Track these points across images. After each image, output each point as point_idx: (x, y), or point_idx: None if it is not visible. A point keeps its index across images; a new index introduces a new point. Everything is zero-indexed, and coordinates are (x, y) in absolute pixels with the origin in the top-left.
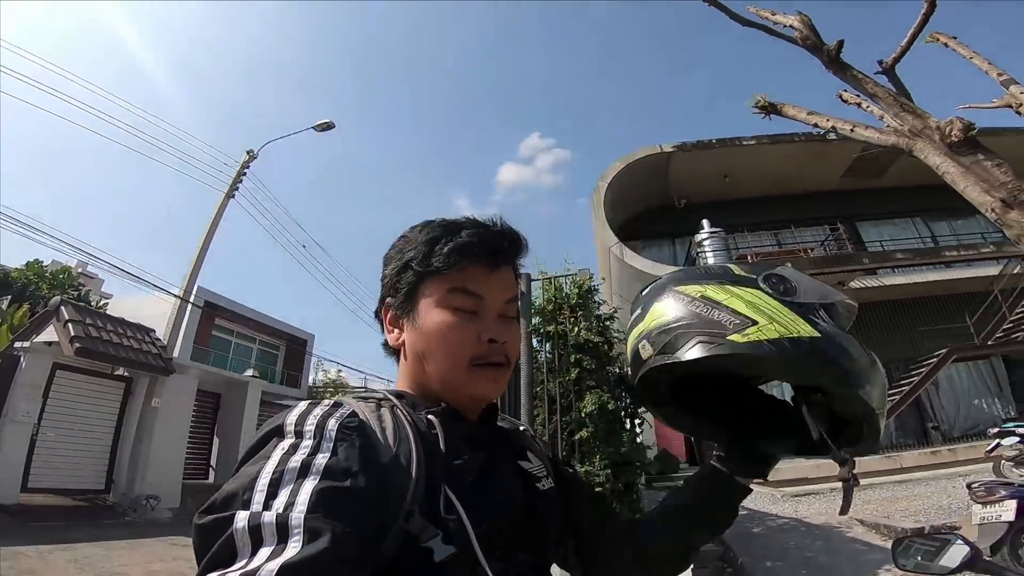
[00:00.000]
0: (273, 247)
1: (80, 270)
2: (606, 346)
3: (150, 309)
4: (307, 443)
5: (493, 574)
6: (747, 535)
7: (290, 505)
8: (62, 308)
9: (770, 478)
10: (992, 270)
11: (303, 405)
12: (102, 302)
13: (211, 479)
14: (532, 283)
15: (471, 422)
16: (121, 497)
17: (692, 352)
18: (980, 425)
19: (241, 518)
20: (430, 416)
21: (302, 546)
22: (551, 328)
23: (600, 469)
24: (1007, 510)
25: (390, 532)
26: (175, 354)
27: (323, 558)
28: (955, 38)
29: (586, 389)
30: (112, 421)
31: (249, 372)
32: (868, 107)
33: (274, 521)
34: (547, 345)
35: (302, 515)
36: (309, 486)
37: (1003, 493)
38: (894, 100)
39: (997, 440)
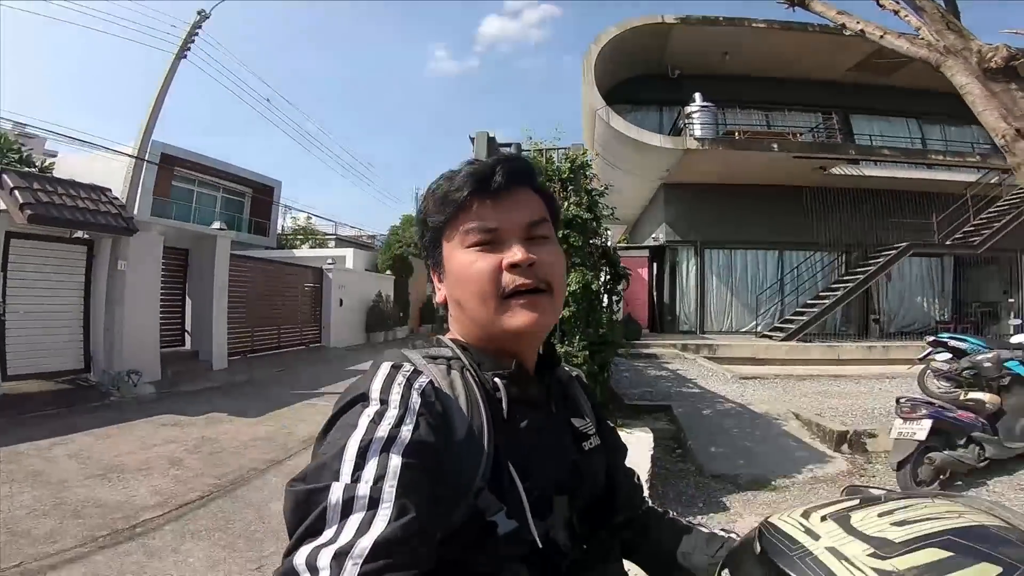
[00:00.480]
0: (240, 106)
1: (17, 132)
2: (594, 223)
3: (101, 166)
4: (392, 412)
5: (538, 534)
6: (698, 416)
7: (380, 478)
8: (4, 176)
9: (723, 355)
10: (970, 177)
11: (386, 369)
12: (48, 162)
13: (188, 345)
14: (523, 154)
15: (530, 375)
16: (102, 375)
17: None
18: (916, 323)
19: (334, 490)
20: (496, 379)
21: (389, 521)
22: None
23: (579, 350)
24: (921, 429)
25: (461, 506)
26: (134, 212)
27: (411, 533)
28: None
29: (571, 267)
30: (79, 291)
31: (216, 224)
32: (906, 16)
33: (367, 495)
34: None
35: (393, 489)
36: (396, 460)
37: (923, 412)
38: (941, 16)
39: (930, 349)
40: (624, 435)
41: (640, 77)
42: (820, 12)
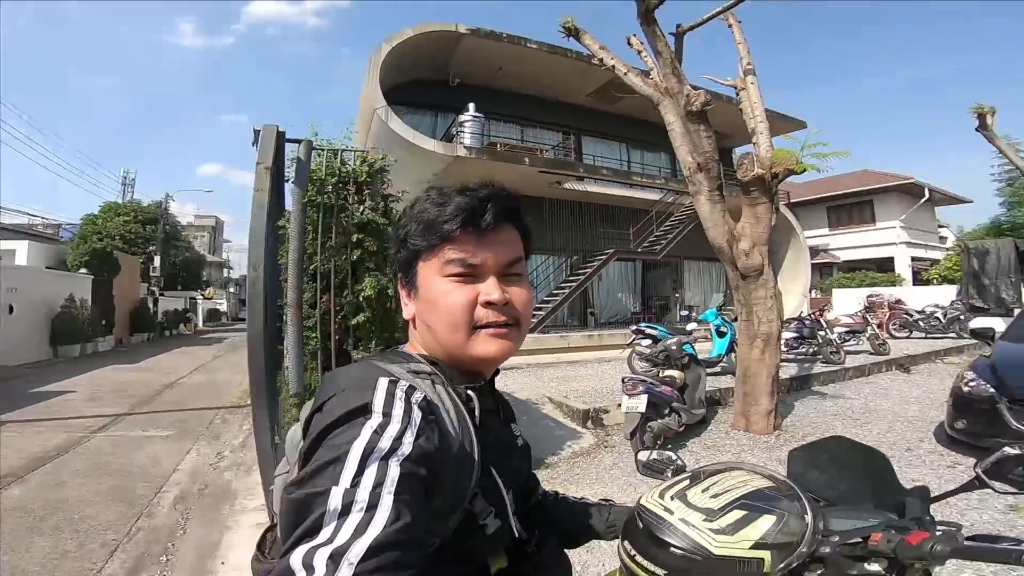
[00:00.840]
0: None
1: None
2: (389, 228)
3: None
4: (395, 426)
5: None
6: None
7: (379, 484)
8: None
9: None
10: (655, 196)
11: (384, 383)
12: None
13: None
14: (315, 151)
15: (490, 388)
16: None
17: None
18: (619, 315)
19: (334, 494)
20: (469, 392)
21: (386, 525)
22: (329, 202)
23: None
24: (641, 403)
25: (457, 512)
26: None
27: (406, 537)
28: (740, 22)
29: (365, 271)
30: None
31: None
32: (646, 57)
33: (365, 499)
34: (321, 220)
35: (391, 495)
36: (395, 469)
37: (640, 389)
38: (671, 60)
39: (634, 336)
40: None
41: (421, 81)
42: (587, 44)
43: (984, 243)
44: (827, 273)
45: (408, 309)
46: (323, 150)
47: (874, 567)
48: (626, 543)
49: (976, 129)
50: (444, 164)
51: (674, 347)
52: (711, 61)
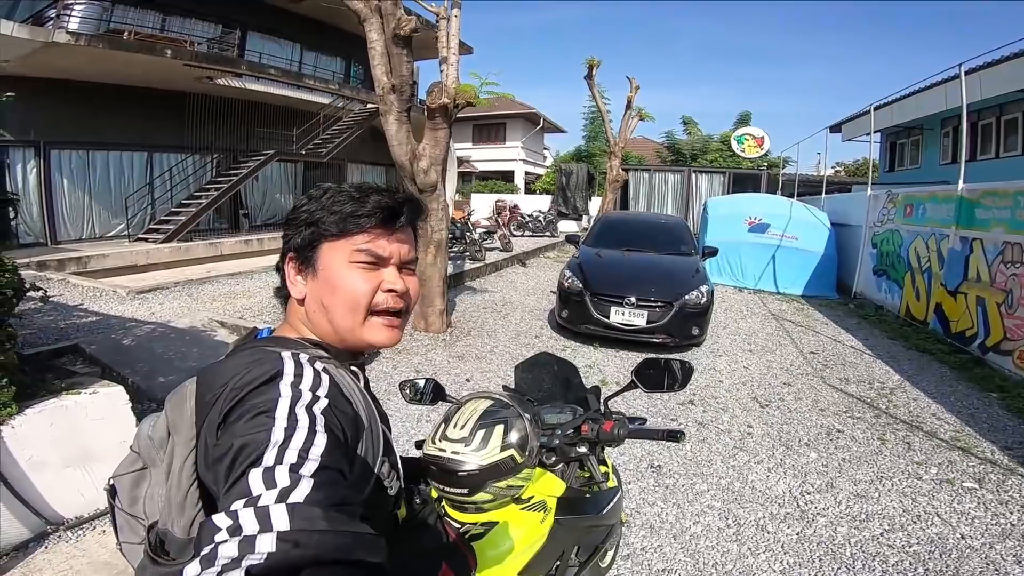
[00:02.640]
0: None
1: None
2: None
3: None
4: (308, 380)
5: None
6: (119, 348)
7: (312, 422)
8: None
9: (97, 268)
10: (326, 100)
11: (287, 354)
12: None
13: None
14: None
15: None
16: None
17: None
18: (276, 216)
19: (275, 430)
20: (353, 368)
21: (324, 452)
22: None
23: None
24: None
25: (370, 481)
26: None
27: (343, 466)
28: None
29: None
30: None
31: None
32: None
33: (304, 434)
34: None
35: (324, 434)
36: (320, 415)
37: None
38: None
39: None
40: (81, 399)
41: None
42: None
43: (570, 165)
44: (468, 180)
45: (298, 288)
46: None
47: (582, 449)
48: (433, 482)
49: (584, 77)
50: (26, 51)
51: None
52: None
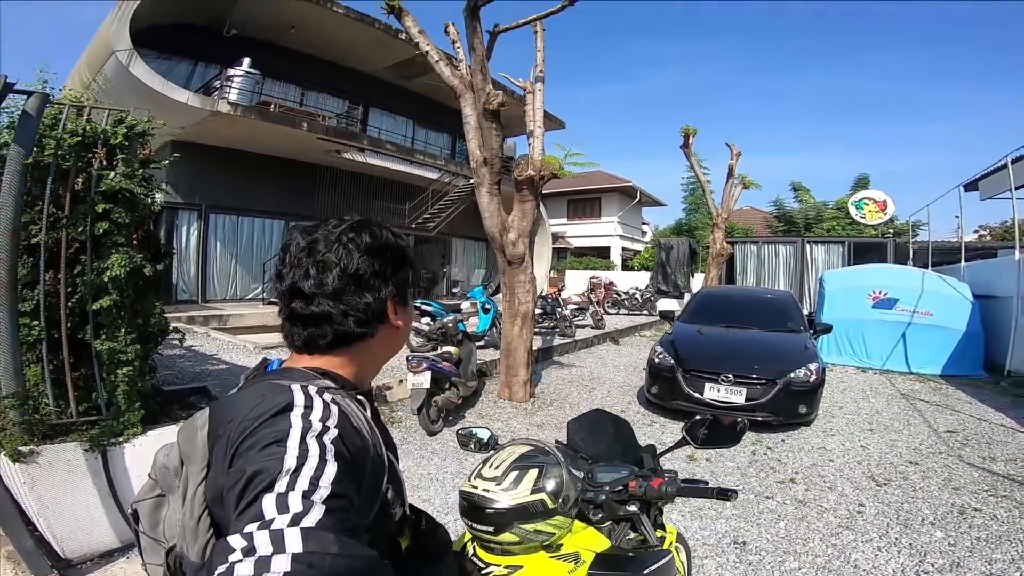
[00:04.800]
0: None
1: None
2: (149, 199)
3: None
4: (318, 411)
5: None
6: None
7: (323, 451)
8: None
9: (235, 326)
10: (434, 175)
11: (297, 387)
12: None
13: None
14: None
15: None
16: None
17: None
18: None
19: (287, 458)
20: (359, 397)
21: (334, 480)
22: (64, 164)
23: (126, 345)
24: (426, 379)
25: (375, 506)
26: None
27: (352, 494)
28: (544, 30)
29: (112, 247)
30: None
31: None
32: (458, 47)
33: (315, 463)
34: (53, 185)
35: (334, 463)
36: (331, 445)
37: (424, 366)
38: (482, 58)
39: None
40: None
41: (185, 25)
42: (407, 27)
43: (670, 240)
44: (563, 256)
45: (396, 320)
46: (64, 104)
47: (632, 507)
48: (464, 519)
49: (680, 147)
50: (197, 119)
51: (451, 325)
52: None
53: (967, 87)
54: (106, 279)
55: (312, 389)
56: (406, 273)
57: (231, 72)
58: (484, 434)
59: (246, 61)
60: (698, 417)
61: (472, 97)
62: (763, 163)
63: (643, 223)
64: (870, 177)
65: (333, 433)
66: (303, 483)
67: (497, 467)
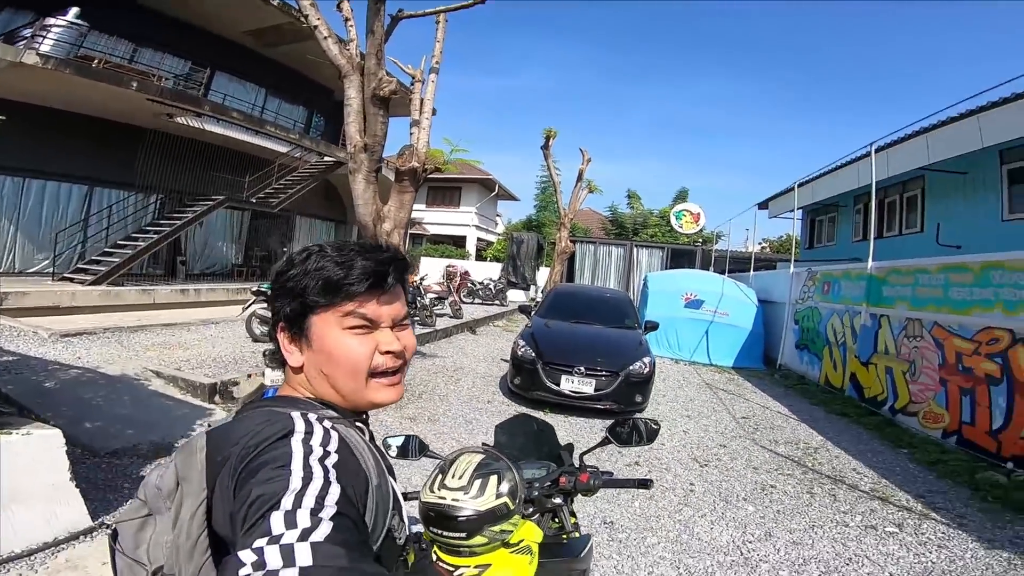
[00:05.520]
0: None
1: None
2: None
3: None
4: (319, 435)
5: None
6: (40, 391)
7: (326, 474)
8: None
9: (16, 306)
10: (284, 148)
11: (296, 414)
12: None
13: None
14: None
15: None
16: None
17: None
18: (216, 265)
19: (293, 478)
20: (358, 424)
21: (339, 500)
22: None
23: None
24: (280, 376)
25: (381, 533)
26: None
27: (356, 514)
28: (447, 21)
29: None
30: None
31: None
32: (351, 25)
33: (320, 483)
34: None
35: (337, 485)
36: (332, 469)
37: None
38: (380, 42)
39: (254, 298)
40: (13, 440)
41: None
42: None
43: (521, 234)
44: (418, 243)
45: (295, 358)
46: None
47: (557, 500)
48: (430, 528)
49: (541, 147)
50: None
51: None
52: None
53: (773, 119)
54: None
55: (312, 416)
56: (287, 300)
57: (50, 21)
58: (398, 440)
59: (72, 11)
60: (620, 419)
61: (359, 80)
62: (608, 168)
63: (497, 215)
64: (689, 191)
65: (335, 458)
66: (309, 501)
67: (460, 477)
